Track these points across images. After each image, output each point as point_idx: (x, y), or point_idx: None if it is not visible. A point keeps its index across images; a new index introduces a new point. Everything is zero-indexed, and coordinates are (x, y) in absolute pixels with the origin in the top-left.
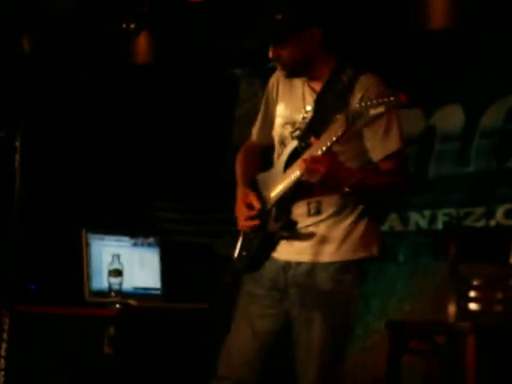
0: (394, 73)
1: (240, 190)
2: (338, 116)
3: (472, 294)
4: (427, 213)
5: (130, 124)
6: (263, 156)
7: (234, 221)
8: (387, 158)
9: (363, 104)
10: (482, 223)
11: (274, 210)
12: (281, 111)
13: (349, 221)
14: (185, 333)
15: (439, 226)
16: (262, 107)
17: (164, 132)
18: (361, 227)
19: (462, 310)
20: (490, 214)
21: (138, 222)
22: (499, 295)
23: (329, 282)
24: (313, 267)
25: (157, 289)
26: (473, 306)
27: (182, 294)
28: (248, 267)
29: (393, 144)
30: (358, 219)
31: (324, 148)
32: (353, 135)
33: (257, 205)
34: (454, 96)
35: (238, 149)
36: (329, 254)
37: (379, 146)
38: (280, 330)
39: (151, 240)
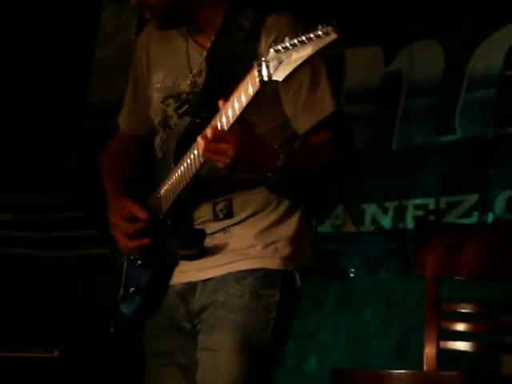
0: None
1: (112, 204)
2: (247, 72)
3: (460, 327)
4: (391, 205)
5: None
6: (144, 153)
7: (102, 226)
8: (317, 127)
9: (280, 47)
10: (473, 219)
11: (168, 220)
12: (158, 82)
13: (272, 218)
14: None
15: (409, 224)
16: (130, 82)
17: None
18: (290, 227)
19: (446, 352)
20: (485, 205)
21: None
22: (502, 328)
23: (244, 295)
24: (223, 281)
25: None
26: (461, 345)
27: (20, 337)
28: (141, 311)
29: (322, 108)
30: (285, 216)
31: (231, 118)
32: (267, 100)
33: (142, 214)
34: (429, 29)
35: (98, 115)
36: (245, 260)
37: (303, 112)
38: None
39: None
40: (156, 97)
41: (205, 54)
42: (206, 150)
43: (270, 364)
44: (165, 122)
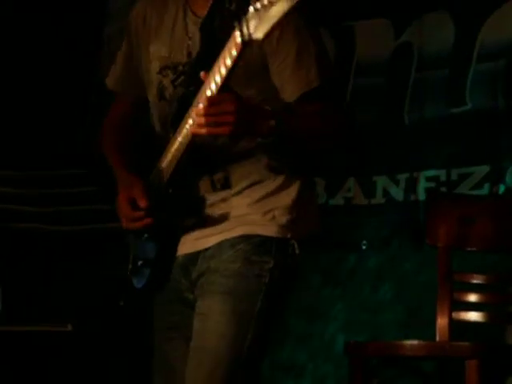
0: None
1: (121, 179)
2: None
3: (472, 297)
4: (402, 177)
5: None
6: (139, 121)
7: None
8: (305, 98)
9: (259, 5)
10: (485, 190)
11: (169, 190)
12: (155, 52)
13: (271, 187)
14: (38, 367)
15: (421, 196)
16: (125, 44)
17: None
18: (289, 195)
19: (458, 322)
20: (496, 176)
21: None
22: None
23: (236, 261)
24: (218, 247)
25: None
26: (474, 316)
27: (31, 312)
28: (150, 284)
29: (308, 80)
30: (283, 185)
31: (219, 82)
32: (255, 71)
33: (143, 202)
34: (439, 1)
35: (108, 90)
36: (241, 226)
37: (289, 82)
38: None
39: None
40: (153, 66)
41: (199, 23)
42: (207, 113)
43: (259, 329)
44: (160, 93)
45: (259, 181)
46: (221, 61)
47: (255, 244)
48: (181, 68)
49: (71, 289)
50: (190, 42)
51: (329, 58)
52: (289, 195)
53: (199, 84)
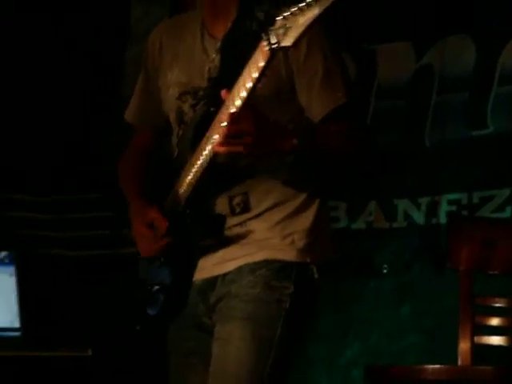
0: None
1: (133, 207)
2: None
3: (494, 321)
4: (424, 200)
5: None
6: (157, 150)
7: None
8: (330, 117)
9: (286, 13)
10: (506, 213)
11: (187, 211)
12: (173, 78)
13: (289, 210)
14: None
15: (442, 219)
16: (141, 77)
17: (12, 87)
18: (307, 218)
19: (480, 346)
20: None
21: None
22: None
23: (256, 286)
24: (238, 272)
25: (14, 329)
26: (496, 340)
27: (52, 336)
28: (165, 310)
29: (336, 97)
30: (302, 208)
31: (244, 94)
32: (281, 91)
33: (161, 223)
34: (460, 23)
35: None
36: (261, 251)
37: (317, 101)
38: None
39: (3, 255)
40: (172, 93)
41: (218, 45)
42: (227, 135)
43: (280, 355)
44: (180, 118)
45: (278, 203)
46: (246, 75)
47: (275, 269)
48: (201, 93)
49: (91, 314)
50: (210, 66)
51: (350, 77)
52: (307, 218)
53: (220, 105)
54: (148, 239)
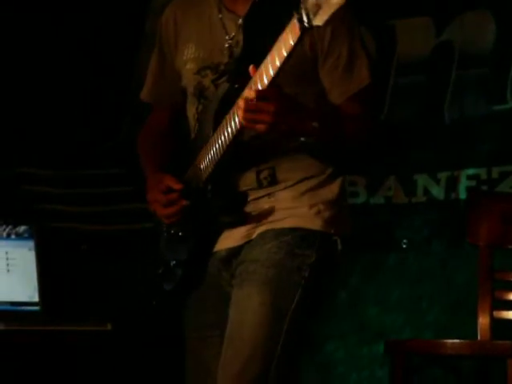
0: None
1: (150, 179)
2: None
3: None
4: (443, 175)
5: None
6: (173, 127)
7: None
8: (352, 98)
9: None
10: None
11: (209, 187)
12: (191, 54)
13: (315, 182)
14: (78, 366)
15: (462, 194)
16: (156, 55)
17: (27, 65)
18: (332, 191)
19: (500, 321)
20: None
21: None
22: None
23: (279, 252)
24: (262, 236)
25: (34, 303)
26: None
27: (71, 310)
28: (182, 284)
29: (359, 79)
30: (327, 181)
31: (272, 72)
32: (304, 70)
33: (177, 185)
34: None
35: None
36: (287, 218)
37: (340, 82)
38: None
39: (22, 229)
40: (189, 67)
41: (240, 21)
42: (246, 109)
43: (296, 323)
44: (200, 92)
45: (305, 178)
46: (274, 53)
47: (299, 237)
48: (222, 67)
49: (111, 288)
50: (230, 42)
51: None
52: (332, 191)
53: (245, 81)
54: (163, 204)
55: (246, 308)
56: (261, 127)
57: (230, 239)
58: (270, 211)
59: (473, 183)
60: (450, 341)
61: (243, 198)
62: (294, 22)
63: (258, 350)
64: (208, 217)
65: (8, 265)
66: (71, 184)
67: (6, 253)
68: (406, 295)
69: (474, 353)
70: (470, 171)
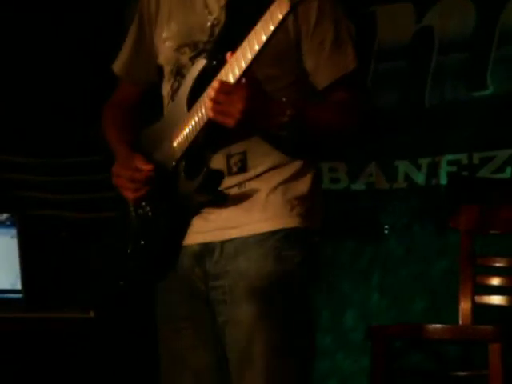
0: None
1: (119, 153)
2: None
3: (495, 281)
4: (424, 161)
5: None
6: (141, 110)
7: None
8: (336, 84)
9: None
10: (507, 174)
11: (182, 164)
12: (170, 31)
13: (287, 173)
14: (61, 354)
15: (442, 180)
16: (134, 28)
17: (25, 63)
18: (305, 183)
19: (481, 306)
20: None
21: None
22: None
23: (267, 259)
24: (243, 244)
25: (16, 291)
26: (497, 299)
27: (54, 298)
28: (150, 266)
29: (345, 63)
30: (300, 172)
31: (256, 47)
32: (287, 53)
33: (146, 165)
34: None
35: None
36: (264, 221)
37: (325, 66)
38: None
39: (4, 217)
40: (168, 45)
41: (223, 1)
42: (215, 102)
43: (303, 325)
44: (177, 70)
45: (275, 165)
46: (259, 28)
47: (281, 239)
48: (201, 46)
49: (93, 276)
50: (211, 19)
51: (360, 44)
52: (305, 183)
53: (222, 60)
54: (129, 178)
55: (249, 326)
56: (229, 121)
57: (201, 234)
58: (245, 208)
59: (454, 169)
60: (432, 326)
61: (219, 175)
62: None
63: (276, 375)
64: (181, 197)
65: None
66: (53, 171)
67: None
68: (388, 281)
69: (456, 337)
70: (451, 157)
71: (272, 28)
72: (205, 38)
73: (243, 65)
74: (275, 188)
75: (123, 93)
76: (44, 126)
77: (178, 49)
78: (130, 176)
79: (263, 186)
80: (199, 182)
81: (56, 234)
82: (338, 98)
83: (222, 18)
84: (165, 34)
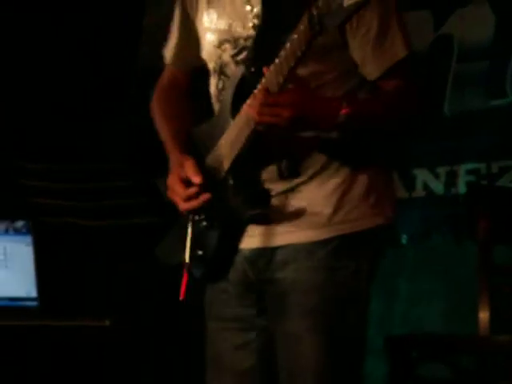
0: None
1: (173, 159)
2: (299, 23)
3: None
4: (442, 170)
5: None
6: (191, 91)
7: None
8: (388, 72)
9: None
10: None
11: (230, 179)
12: (211, 23)
13: (341, 176)
14: (76, 362)
15: (461, 189)
16: (178, 15)
17: (27, 64)
18: (361, 182)
19: (500, 316)
20: None
21: None
22: None
23: (318, 271)
24: (294, 253)
25: (31, 299)
26: None
27: (69, 306)
28: (209, 273)
29: (393, 52)
30: (354, 172)
31: (281, 77)
32: (333, 46)
33: (197, 178)
34: None
35: (149, 81)
36: (317, 229)
37: (373, 56)
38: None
39: (20, 224)
40: (210, 39)
41: None
42: (257, 120)
43: (355, 340)
44: (220, 68)
45: (327, 166)
46: (284, 55)
47: (334, 249)
48: (242, 42)
49: (110, 284)
50: (251, 14)
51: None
52: (362, 183)
53: (261, 65)
54: (182, 196)
55: (300, 341)
56: (277, 132)
57: (253, 238)
58: (297, 215)
59: (472, 178)
60: (451, 336)
61: (266, 196)
62: (305, 20)
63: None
64: (232, 209)
65: (6, 260)
66: (68, 179)
67: (4, 248)
68: (406, 290)
69: (474, 348)
70: (470, 166)
71: (294, 60)
72: (245, 33)
73: (286, 71)
74: (330, 194)
75: (173, 78)
76: (59, 132)
77: (219, 45)
78: (182, 193)
79: (316, 193)
80: (247, 201)
81: (72, 242)
82: (392, 87)
83: (260, 14)
84: (206, 23)
